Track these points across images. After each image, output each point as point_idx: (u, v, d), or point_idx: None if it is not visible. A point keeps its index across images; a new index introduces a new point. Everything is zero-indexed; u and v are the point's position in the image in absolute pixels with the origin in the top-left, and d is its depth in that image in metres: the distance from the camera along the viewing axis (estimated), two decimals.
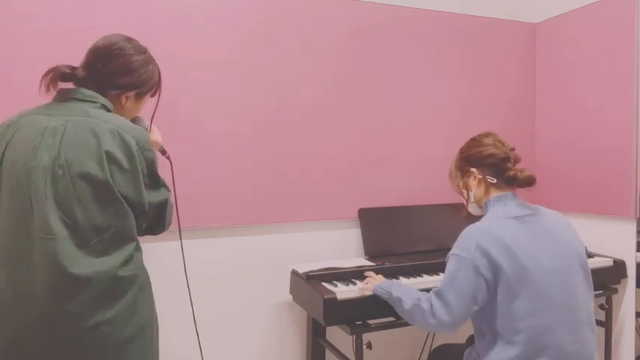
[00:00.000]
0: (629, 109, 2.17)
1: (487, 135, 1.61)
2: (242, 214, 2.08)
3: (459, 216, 2.34)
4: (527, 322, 1.37)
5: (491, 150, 1.56)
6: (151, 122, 1.53)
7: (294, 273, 2.02)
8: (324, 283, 1.83)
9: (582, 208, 2.38)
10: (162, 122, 1.91)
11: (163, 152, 1.64)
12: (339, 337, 2.14)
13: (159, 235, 1.91)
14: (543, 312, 1.38)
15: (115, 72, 1.32)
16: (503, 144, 1.58)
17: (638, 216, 2.15)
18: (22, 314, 1.18)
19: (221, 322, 2.09)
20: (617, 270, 2.19)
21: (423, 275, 1.96)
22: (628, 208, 2.17)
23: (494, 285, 1.41)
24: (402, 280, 1.89)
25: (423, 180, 2.40)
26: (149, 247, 1.93)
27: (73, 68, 1.30)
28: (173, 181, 1.63)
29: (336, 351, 1.97)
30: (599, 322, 2.18)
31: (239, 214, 2.07)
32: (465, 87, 2.50)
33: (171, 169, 1.64)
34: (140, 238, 1.32)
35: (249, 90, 2.07)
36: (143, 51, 1.38)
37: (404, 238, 2.26)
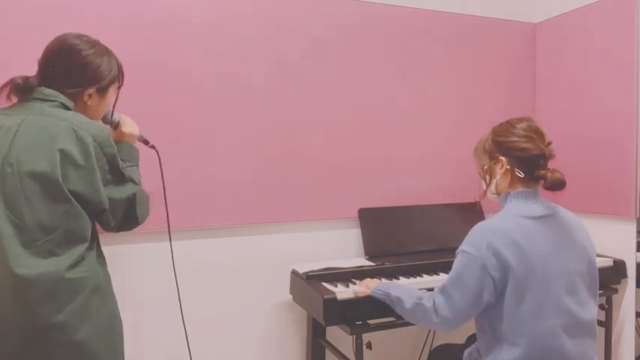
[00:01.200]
0: (629, 109, 2.16)
1: (522, 120, 1.49)
2: (242, 214, 2.08)
3: (459, 216, 2.34)
4: (531, 325, 1.36)
5: (524, 144, 1.45)
6: (112, 113, 1.49)
7: (294, 273, 2.02)
8: (324, 283, 1.83)
9: (582, 208, 2.37)
10: (162, 122, 1.93)
11: (146, 142, 1.61)
12: (339, 337, 2.14)
13: (155, 236, 1.93)
14: (548, 315, 1.36)
15: (68, 70, 1.32)
16: (541, 136, 1.47)
17: (638, 216, 2.15)
18: None
19: (221, 322, 2.09)
20: (617, 270, 2.19)
21: (423, 275, 1.95)
22: (628, 208, 2.17)
23: (502, 285, 1.37)
24: (402, 280, 1.89)
25: (423, 180, 2.40)
26: (144, 247, 1.93)
27: (26, 79, 1.29)
28: (161, 171, 1.62)
29: (336, 351, 1.97)
30: (599, 322, 2.17)
31: (239, 214, 2.07)
32: (465, 87, 2.49)
33: (159, 159, 1.62)
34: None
35: (248, 90, 2.07)
36: (93, 44, 1.36)
37: (404, 238, 2.26)
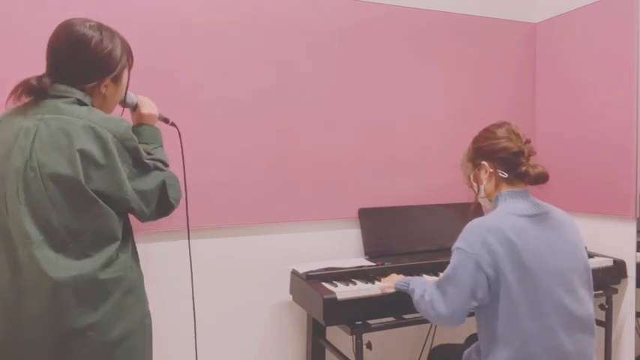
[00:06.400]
0: (629, 109, 2.16)
1: (501, 125, 1.54)
2: (242, 214, 2.08)
3: (459, 216, 2.34)
4: (528, 324, 1.37)
5: (504, 143, 1.49)
6: (128, 95, 1.43)
7: (294, 273, 2.02)
8: (324, 283, 1.83)
9: (582, 208, 2.38)
10: (162, 123, 1.92)
11: (166, 121, 1.58)
12: (339, 337, 2.14)
13: (161, 235, 1.93)
14: (545, 314, 1.37)
15: (82, 65, 1.25)
16: (518, 136, 1.50)
17: (638, 216, 2.15)
18: (6, 317, 1.18)
19: (221, 321, 2.09)
20: (617, 270, 2.19)
21: (423, 275, 1.96)
22: (628, 208, 2.17)
23: (496, 283, 1.39)
24: None
25: (423, 180, 2.40)
26: (150, 246, 1.93)
27: (40, 79, 1.22)
28: (182, 148, 1.59)
29: (336, 351, 1.97)
30: (599, 322, 2.17)
31: (239, 214, 2.07)
32: (465, 87, 2.50)
33: (179, 137, 1.59)
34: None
35: (247, 91, 2.07)
36: (100, 29, 1.28)
37: (404, 238, 2.26)
